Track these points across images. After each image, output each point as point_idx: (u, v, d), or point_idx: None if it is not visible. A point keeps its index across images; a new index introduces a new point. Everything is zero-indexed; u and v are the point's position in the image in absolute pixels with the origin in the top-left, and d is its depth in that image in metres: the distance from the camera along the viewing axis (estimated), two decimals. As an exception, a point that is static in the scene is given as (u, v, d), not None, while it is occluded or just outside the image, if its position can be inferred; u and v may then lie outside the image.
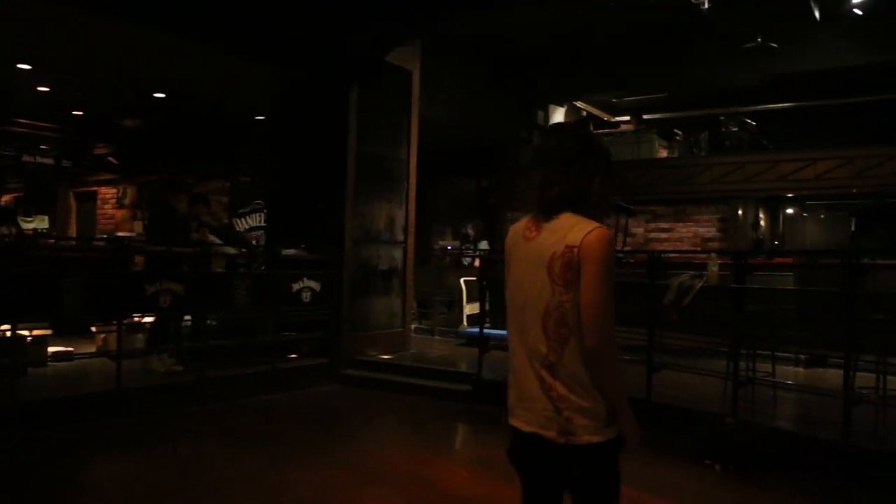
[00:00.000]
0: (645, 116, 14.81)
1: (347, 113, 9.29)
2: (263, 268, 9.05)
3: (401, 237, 10.16)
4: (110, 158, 12.40)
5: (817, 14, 9.40)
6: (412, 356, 9.86)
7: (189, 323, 8.19)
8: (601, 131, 14.37)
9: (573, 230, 2.27)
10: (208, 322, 8.25)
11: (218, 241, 8.85)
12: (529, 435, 2.35)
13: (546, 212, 2.35)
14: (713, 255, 6.13)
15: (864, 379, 5.74)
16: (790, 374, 7.40)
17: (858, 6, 9.55)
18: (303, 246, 9.11)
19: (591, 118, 15.29)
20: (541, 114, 15.05)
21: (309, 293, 8.74)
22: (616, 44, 12.18)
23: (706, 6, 8.84)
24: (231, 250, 8.91)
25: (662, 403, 6.08)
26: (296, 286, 8.63)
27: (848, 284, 5.12)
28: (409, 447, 6.91)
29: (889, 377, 5.77)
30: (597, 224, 2.29)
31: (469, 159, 15.10)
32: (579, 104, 15.58)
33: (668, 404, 5.99)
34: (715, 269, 5.92)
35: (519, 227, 2.45)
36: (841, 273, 5.20)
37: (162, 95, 10.75)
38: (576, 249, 2.23)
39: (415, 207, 10.39)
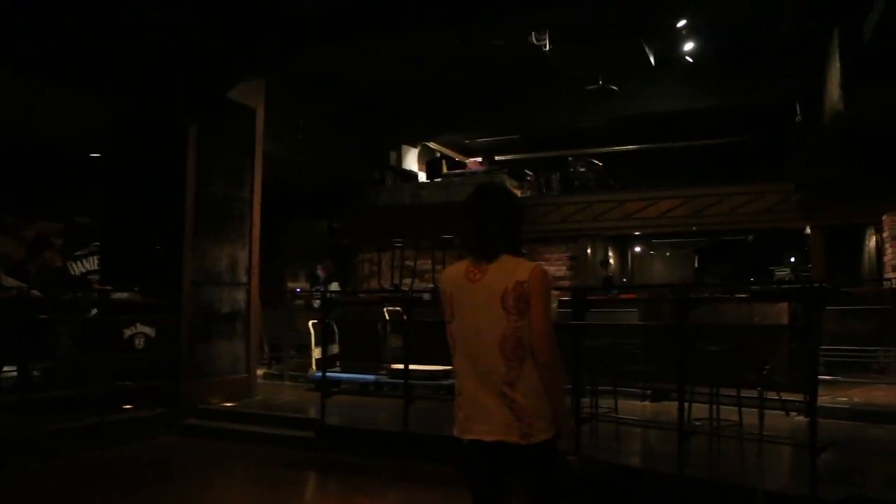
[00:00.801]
0: (497, 158, 15.05)
1: (185, 149, 8.83)
2: (95, 312, 8.34)
3: (244, 279, 9.70)
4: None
5: (652, 59, 9.81)
6: (257, 403, 9.37)
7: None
8: (452, 172, 14.43)
9: (518, 268, 2.82)
10: (33, 373, 7.57)
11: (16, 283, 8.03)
12: (493, 443, 2.83)
13: (488, 255, 2.87)
14: (554, 291, 6.09)
15: (701, 410, 5.81)
16: (636, 408, 7.46)
17: (689, 54, 10.06)
18: (136, 289, 8.50)
19: (443, 158, 15.36)
20: (393, 154, 15.02)
21: (143, 339, 8.16)
22: (464, 86, 12.37)
23: (547, 49, 9.04)
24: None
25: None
26: (128, 332, 8.03)
27: (678, 318, 5.16)
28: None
29: (723, 407, 5.87)
30: (534, 263, 2.90)
31: (322, 200, 14.85)
32: (432, 145, 15.66)
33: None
34: (554, 305, 5.86)
35: (458, 272, 2.93)
36: (675, 307, 5.25)
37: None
38: (525, 284, 2.78)
39: (259, 249, 9.97)
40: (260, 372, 12.26)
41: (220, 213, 9.33)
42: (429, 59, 11.26)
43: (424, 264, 13.78)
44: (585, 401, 6.26)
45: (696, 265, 13.93)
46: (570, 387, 5.91)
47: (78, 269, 12.40)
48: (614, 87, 10.72)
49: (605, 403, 6.57)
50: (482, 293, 2.84)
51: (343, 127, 13.30)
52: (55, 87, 8.45)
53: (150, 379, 8.36)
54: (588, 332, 6.10)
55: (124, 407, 8.34)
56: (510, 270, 2.81)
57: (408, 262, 14.15)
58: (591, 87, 10.74)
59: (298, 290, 11.81)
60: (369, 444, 7.37)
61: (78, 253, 12.53)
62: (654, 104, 11.87)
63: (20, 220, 11.27)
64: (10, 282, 7.71)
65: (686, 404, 5.45)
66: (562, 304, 6.11)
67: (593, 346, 6.43)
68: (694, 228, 11.51)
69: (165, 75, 8.72)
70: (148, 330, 8.19)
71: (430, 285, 8.28)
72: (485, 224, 2.90)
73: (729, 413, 5.85)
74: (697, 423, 5.67)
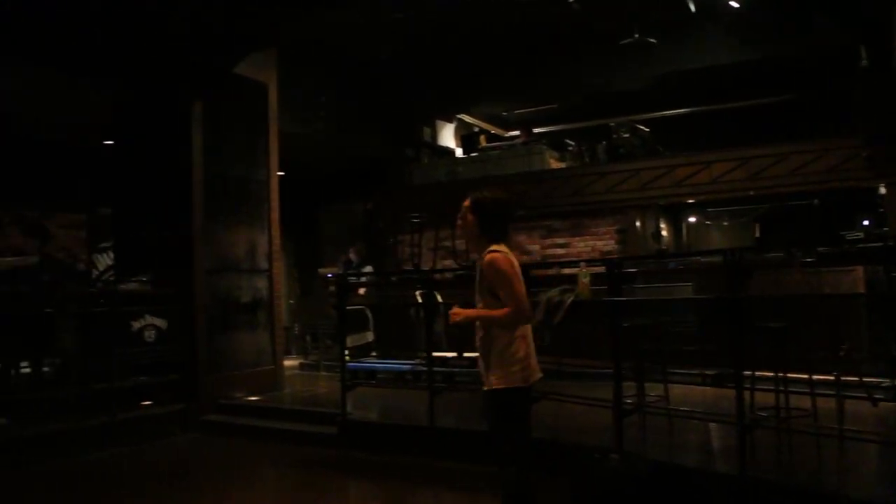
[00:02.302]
0: (537, 130, 14.16)
1: (190, 129, 8.23)
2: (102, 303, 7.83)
3: (264, 265, 9.11)
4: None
5: (692, 6, 8.81)
6: (283, 397, 8.82)
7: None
8: (488, 145, 13.61)
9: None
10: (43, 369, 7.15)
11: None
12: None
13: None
14: (583, 265, 5.30)
15: (768, 398, 4.97)
16: (695, 394, 6.51)
17: (734, -1, 9.03)
18: (143, 279, 7.97)
19: (481, 133, 14.55)
20: (427, 130, 14.24)
21: (153, 331, 7.63)
22: (494, 54, 11.55)
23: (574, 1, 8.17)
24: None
25: (537, 438, 5.15)
26: (136, 324, 7.49)
27: (731, 288, 4.33)
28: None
29: (793, 395, 4.99)
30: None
31: (357, 182, 14.17)
32: (468, 119, 14.85)
33: (542, 439, 5.05)
34: (586, 280, 5.08)
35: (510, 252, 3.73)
36: (727, 276, 4.41)
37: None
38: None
39: (280, 232, 9.37)
40: (296, 363, 11.74)
41: (234, 195, 8.75)
42: (452, 25, 10.47)
43: (463, 244, 13.13)
44: (630, 388, 5.48)
45: (757, 234, 12.84)
46: (608, 371, 5.14)
47: (104, 261, 12.01)
48: (652, 40, 9.74)
49: (655, 391, 5.76)
50: None
51: (370, 103, 12.59)
52: (64, 73, 8.04)
53: (166, 373, 7.84)
54: (631, 310, 5.29)
55: (143, 403, 7.92)
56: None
57: (446, 243, 13.47)
58: (625, 42, 9.78)
59: (330, 275, 11.17)
60: (394, 440, 6.70)
61: (104, 245, 12.14)
62: (697, 59, 10.87)
63: (39, 213, 10.85)
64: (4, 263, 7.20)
65: (748, 392, 4.62)
66: (597, 279, 5.31)
67: (637, 324, 5.63)
68: (751, 193, 10.47)
69: (166, 52, 8.18)
70: (159, 322, 7.65)
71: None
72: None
73: (800, 401, 4.94)
74: (763, 414, 4.84)
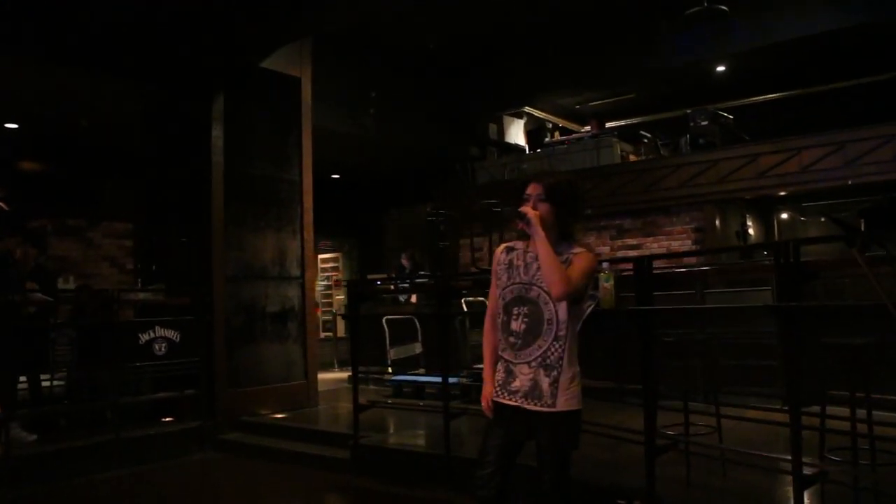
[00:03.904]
0: (615, 123, 13.09)
1: (210, 127, 7.67)
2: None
3: (296, 272, 8.46)
4: (1, 203, 10.89)
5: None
6: (312, 414, 8.12)
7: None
8: (554, 140, 12.64)
9: None
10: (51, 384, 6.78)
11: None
12: None
13: None
14: (605, 265, 4.31)
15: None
16: (751, 431, 5.22)
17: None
18: (155, 288, 7.44)
19: (550, 127, 13.58)
20: (493, 126, 13.37)
21: (164, 344, 7.06)
22: (560, 34, 10.59)
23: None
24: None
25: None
26: (144, 336, 6.94)
27: (782, 292, 3.30)
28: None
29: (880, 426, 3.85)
30: None
31: (420, 182, 13.47)
32: (538, 114, 13.88)
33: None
34: (608, 285, 4.10)
35: None
36: (777, 276, 3.38)
37: (14, 126, 9.21)
38: None
39: (312, 236, 8.69)
40: (345, 375, 11.08)
41: (261, 197, 8.14)
42: (514, 9, 9.65)
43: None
44: (669, 417, 4.47)
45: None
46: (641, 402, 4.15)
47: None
48: (723, 8, 8.57)
49: (705, 420, 4.69)
50: None
51: (426, 99, 11.86)
52: (93, 74, 7.68)
53: (180, 388, 7.29)
54: (682, 321, 4.29)
55: (164, 419, 7.42)
56: None
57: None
58: (692, 11, 8.65)
59: (378, 282, 10.47)
60: (409, 469, 5.87)
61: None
62: (780, 30, 9.58)
63: (84, 221, 10.60)
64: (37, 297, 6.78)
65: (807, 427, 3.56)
66: (624, 282, 4.31)
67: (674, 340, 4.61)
68: (850, 182, 9.09)
69: (193, 48, 7.67)
70: (170, 333, 7.08)
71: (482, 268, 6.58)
72: None
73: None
74: (833, 458, 3.75)
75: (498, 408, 3.15)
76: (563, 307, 3.02)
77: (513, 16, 10.14)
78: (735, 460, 4.27)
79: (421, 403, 7.61)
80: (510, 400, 3.09)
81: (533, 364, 3.04)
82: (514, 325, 3.12)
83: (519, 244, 3.24)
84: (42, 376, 6.79)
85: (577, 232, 3.20)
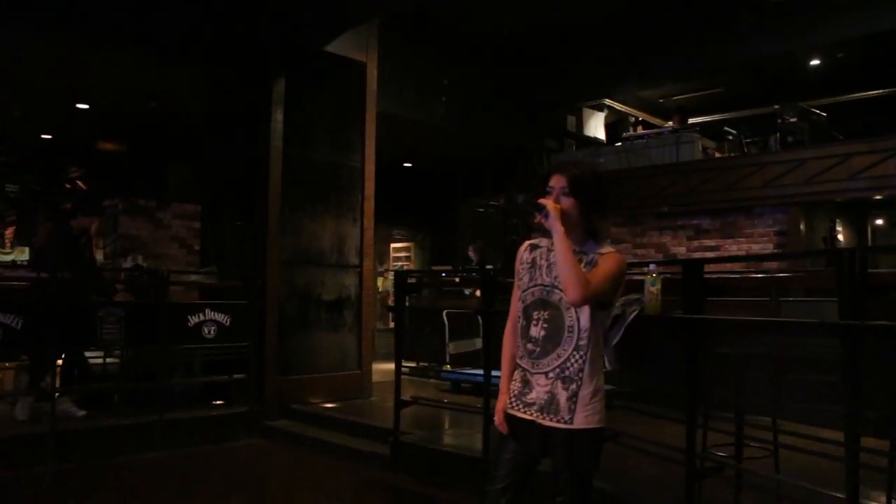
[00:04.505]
0: (701, 119, 12.47)
1: (270, 111, 7.58)
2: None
3: (354, 260, 8.31)
4: (79, 183, 11.22)
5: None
6: (363, 406, 7.96)
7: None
8: (632, 134, 12.15)
9: None
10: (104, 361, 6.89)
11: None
12: None
13: None
14: (652, 267, 3.94)
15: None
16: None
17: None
18: (205, 270, 7.41)
19: (632, 121, 13.07)
20: (571, 119, 12.94)
21: (213, 327, 7.01)
22: (641, 26, 10.13)
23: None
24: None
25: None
26: (193, 319, 6.91)
27: (845, 308, 2.90)
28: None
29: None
30: None
31: (496, 173, 13.22)
32: (619, 107, 13.36)
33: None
34: (654, 289, 3.74)
35: None
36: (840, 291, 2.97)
37: (85, 106, 9.38)
38: None
39: (373, 224, 8.53)
40: (410, 366, 10.90)
41: (320, 183, 8.03)
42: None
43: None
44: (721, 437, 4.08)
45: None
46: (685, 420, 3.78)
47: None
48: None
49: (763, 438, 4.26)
50: None
51: (499, 87, 11.54)
52: (157, 56, 7.75)
53: (229, 373, 7.26)
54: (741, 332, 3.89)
55: (215, 403, 7.45)
56: None
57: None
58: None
59: (443, 273, 10.27)
60: (445, 469, 5.64)
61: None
62: (881, 20, 8.82)
63: (153, 202, 10.76)
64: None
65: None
66: (671, 286, 3.93)
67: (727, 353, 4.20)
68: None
69: (256, 31, 7.62)
70: (220, 317, 7.03)
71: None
72: None
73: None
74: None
75: (512, 420, 2.87)
76: (585, 313, 2.71)
77: (594, 2, 9.73)
78: (791, 496, 3.84)
79: (460, 402, 7.35)
80: (525, 413, 2.80)
81: (551, 375, 2.74)
82: (534, 331, 2.82)
83: (544, 241, 2.92)
84: (95, 354, 6.87)
85: (605, 231, 2.87)
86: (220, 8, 7.51)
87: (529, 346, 2.82)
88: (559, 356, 2.73)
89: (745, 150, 10.79)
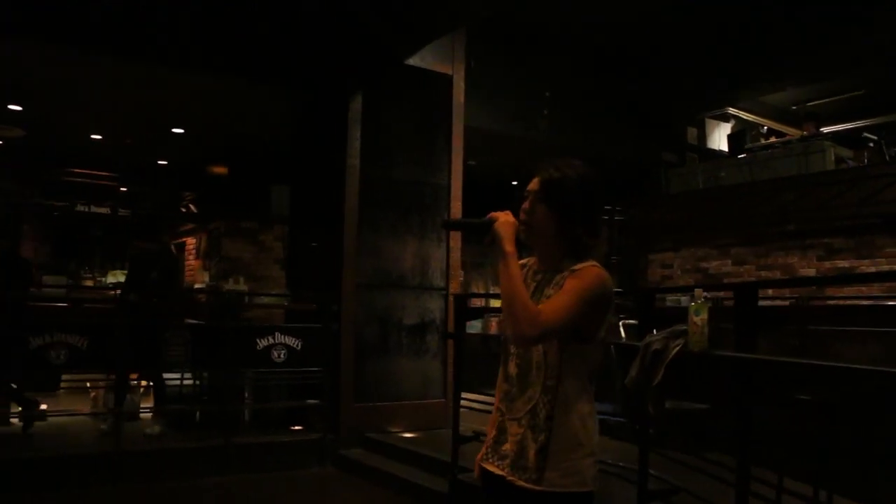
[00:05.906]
0: (834, 128, 11.29)
1: (346, 127, 7.39)
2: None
3: (439, 282, 7.95)
4: (191, 206, 11.55)
5: None
6: (446, 437, 7.53)
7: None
8: (756, 145, 11.13)
9: None
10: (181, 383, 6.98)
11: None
12: None
13: None
14: (699, 292, 3.28)
15: None
16: None
17: None
18: (276, 293, 7.28)
19: (770, 133, 12.04)
20: (692, 130, 12.05)
21: (283, 351, 6.85)
22: (767, 24, 9.22)
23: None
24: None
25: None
26: (262, 342, 6.77)
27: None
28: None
29: None
30: None
31: (608, 190, 12.46)
32: (746, 116, 12.32)
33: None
34: (698, 319, 3.11)
35: None
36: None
37: (181, 131, 9.59)
38: None
39: (460, 244, 8.14)
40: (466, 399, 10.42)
41: (402, 202, 7.74)
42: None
43: (724, 265, 10.82)
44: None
45: None
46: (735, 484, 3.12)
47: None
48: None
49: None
50: None
51: (608, 99, 10.87)
52: (244, 79, 7.76)
53: (301, 399, 7.09)
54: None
55: (293, 428, 7.29)
56: None
57: (702, 264, 11.39)
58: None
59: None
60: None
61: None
62: None
63: (256, 224, 10.88)
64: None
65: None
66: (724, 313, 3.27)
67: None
68: None
69: (329, 47, 7.48)
70: (290, 340, 6.86)
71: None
72: None
73: None
74: None
75: (485, 475, 2.38)
76: (553, 347, 2.19)
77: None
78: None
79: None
80: (498, 467, 2.31)
81: (522, 422, 2.25)
82: (511, 368, 2.34)
83: (530, 261, 2.45)
84: (172, 375, 6.89)
85: (595, 248, 2.33)
86: (299, 24, 7.39)
87: (506, 385, 2.36)
88: (530, 399, 2.24)
89: (888, 158, 9.57)
